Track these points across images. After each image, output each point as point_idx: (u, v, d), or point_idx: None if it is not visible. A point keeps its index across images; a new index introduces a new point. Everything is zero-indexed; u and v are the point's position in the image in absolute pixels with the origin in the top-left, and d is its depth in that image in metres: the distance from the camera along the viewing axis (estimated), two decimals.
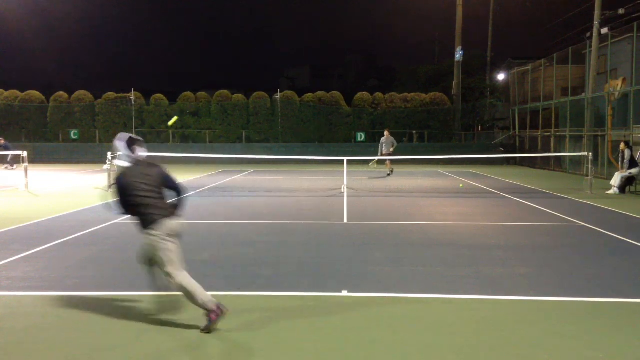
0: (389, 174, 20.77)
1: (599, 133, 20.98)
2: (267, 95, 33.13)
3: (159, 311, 5.11)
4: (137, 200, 4.60)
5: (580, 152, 20.78)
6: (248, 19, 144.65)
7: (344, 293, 5.65)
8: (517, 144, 29.70)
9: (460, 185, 17.37)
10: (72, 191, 15.37)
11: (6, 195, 14.39)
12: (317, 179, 19.67)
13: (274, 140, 32.62)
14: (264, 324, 4.77)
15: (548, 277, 6.27)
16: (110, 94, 33.47)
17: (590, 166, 15.64)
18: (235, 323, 4.77)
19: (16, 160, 23.13)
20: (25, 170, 15.72)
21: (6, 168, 24.31)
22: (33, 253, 7.40)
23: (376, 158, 20.16)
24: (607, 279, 6.21)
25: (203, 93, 34.14)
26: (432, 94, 33.55)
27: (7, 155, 23.48)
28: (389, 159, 20.62)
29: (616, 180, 15.06)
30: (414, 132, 32.38)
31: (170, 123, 6.66)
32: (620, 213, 11.32)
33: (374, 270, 6.57)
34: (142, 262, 4.99)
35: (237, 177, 21.05)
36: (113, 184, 4.72)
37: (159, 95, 33.85)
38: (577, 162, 22.18)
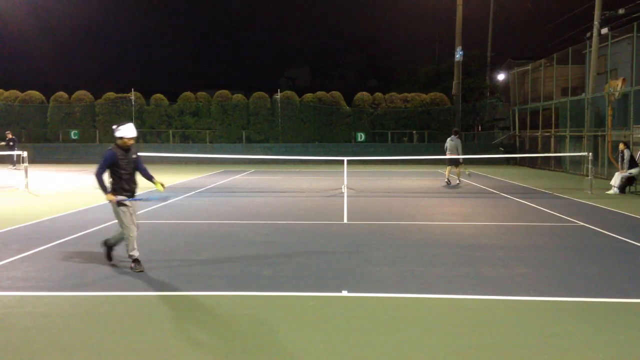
0: None
1: (599, 133, 20.98)
2: (267, 95, 33.12)
3: (159, 311, 5.11)
4: None
5: (580, 152, 20.78)
6: (248, 19, 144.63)
7: (344, 293, 5.65)
8: (517, 144, 29.71)
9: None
10: (72, 191, 15.37)
11: (6, 195, 14.39)
12: (317, 179, 19.67)
13: (274, 140, 32.62)
14: (264, 324, 4.77)
15: (548, 277, 6.27)
16: (110, 94, 33.49)
17: (590, 166, 15.64)
18: (235, 323, 4.78)
19: (17, 159, 23.11)
20: (25, 170, 15.71)
21: (11, 168, 24.14)
22: (33, 253, 7.40)
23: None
24: (607, 279, 6.21)
25: (203, 93, 34.14)
26: (432, 94, 33.57)
27: (12, 155, 23.30)
28: None
29: (616, 180, 15.06)
30: (414, 132, 32.39)
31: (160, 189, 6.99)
32: (620, 213, 11.32)
33: (374, 270, 6.57)
34: None
35: (237, 177, 21.05)
36: None
37: (159, 95, 33.85)
38: (577, 162, 22.18)
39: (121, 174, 6.50)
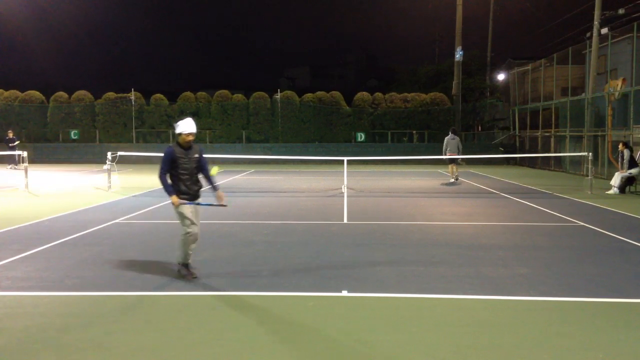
0: None
1: (599, 133, 20.98)
2: (267, 95, 33.11)
3: (158, 310, 5.11)
4: None
5: (580, 152, 20.78)
6: (248, 19, 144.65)
7: (344, 293, 5.65)
8: (517, 144, 29.71)
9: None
10: (72, 191, 15.36)
11: (6, 195, 14.39)
12: (317, 179, 19.67)
13: (274, 140, 32.62)
14: (264, 324, 4.77)
15: (548, 277, 6.27)
16: (110, 94, 33.47)
17: (590, 166, 15.64)
18: (235, 323, 4.78)
19: (16, 159, 23.13)
20: (25, 170, 15.71)
21: (11, 168, 24.10)
22: (33, 253, 7.40)
23: None
24: (607, 279, 6.21)
25: (203, 93, 34.13)
26: (432, 94, 33.56)
27: (14, 154, 23.27)
28: None
29: (616, 180, 15.06)
30: (414, 132, 32.37)
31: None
32: (620, 213, 11.32)
33: (374, 270, 6.57)
34: None
35: (237, 177, 21.05)
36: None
37: (159, 95, 33.84)
38: (577, 162, 22.18)
39: (179, 174, 6.10)
